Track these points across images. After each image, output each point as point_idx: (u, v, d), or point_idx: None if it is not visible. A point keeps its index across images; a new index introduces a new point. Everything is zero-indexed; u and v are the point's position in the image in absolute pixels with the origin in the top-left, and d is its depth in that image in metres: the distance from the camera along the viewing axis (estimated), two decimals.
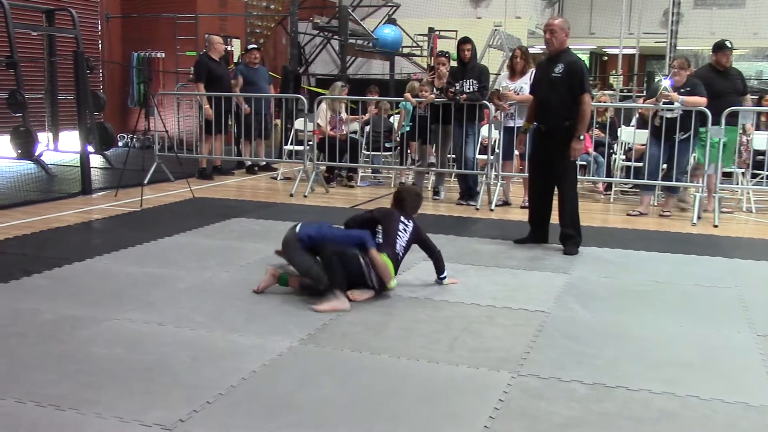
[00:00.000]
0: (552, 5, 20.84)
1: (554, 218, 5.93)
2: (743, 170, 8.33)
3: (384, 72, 17.03)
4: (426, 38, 16.70)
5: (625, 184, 8.78)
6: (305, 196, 8.26)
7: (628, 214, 7.59)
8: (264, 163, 10.37)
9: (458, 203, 8.07)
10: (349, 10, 14.80)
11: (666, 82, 7.45)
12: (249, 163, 10.22)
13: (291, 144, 9.95)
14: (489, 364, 3.38)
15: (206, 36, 10.11)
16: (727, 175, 8.13)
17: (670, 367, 3.40)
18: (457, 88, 7.85)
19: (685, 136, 7.32)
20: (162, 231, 6.09)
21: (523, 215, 6.67)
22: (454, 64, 8.42)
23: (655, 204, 8.05)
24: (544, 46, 5.93)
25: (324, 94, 9.93)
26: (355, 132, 9.43)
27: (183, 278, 4.71)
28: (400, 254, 4.50)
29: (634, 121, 8.92)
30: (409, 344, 3.63)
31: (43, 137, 10.33)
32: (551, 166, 5.75)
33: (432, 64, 8.48)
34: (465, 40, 7.97)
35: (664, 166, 7.55)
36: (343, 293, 4.17)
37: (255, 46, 10.63)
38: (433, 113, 8.17)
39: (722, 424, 2.85)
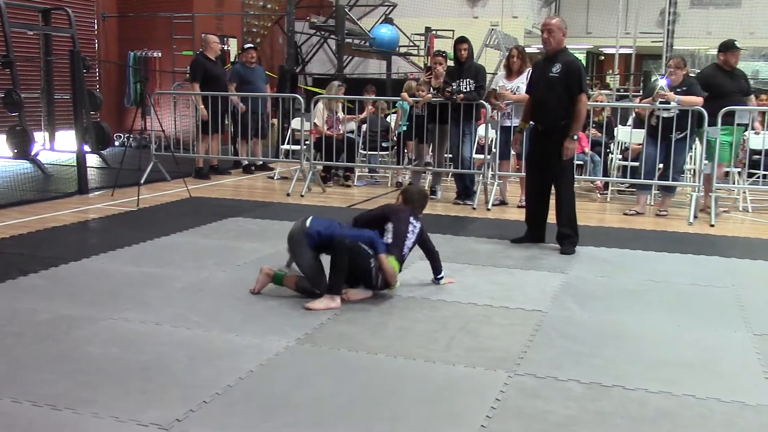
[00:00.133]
0: (549, 5, 20.86)
1: (551, 218, 5.94)
2: (740, 170, 8.35)
3: (381, 71, 17.03)
4: (423, 38, 16.70)
5: (622, 184, 8.79)
6: (302, 196, 8.25)
7: (625, 214, 7.59)
8: (261, 162, 10.37)
9: (455, 203, 8.07)
10: (346, 10, 14.80)
11: (662, 82, 7.47)
12: (246, 162, 10.21)
13: (288, 143, 9.94)
14: (486, 364, 3.39)
15: (203, 35, 10.08)
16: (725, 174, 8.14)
17: (667, 367, 3.40)
18: (454, 87, 7.85)
19: (681, 136, 7.33)
20: (158, 230, 6.09)
21: (519, 215, 6.68)
22: (450, 63, 8.42)
23: (652, 203, 8.06)
24: (541, 46, 5.93)
25: (321, 94, 9.92)
26: (352, 131, 9.42)
27: (179, 278, 4.71)
28: (406, 255, 4.51)
29: (630, 121, 8.94)
30: (406, 344, 3.63)
31: (40, 137, 10.30)
32: (549, 166, 5.76)
33: (429, 65, 8.48)
34: (462, 40, 7.97)
35: (661, 165, 7.56)
36: (337, 295, 4.17)
37: (252, 45, 10.62)
38: (430, 113, 8.17)
39: (719, 424, 2.85)
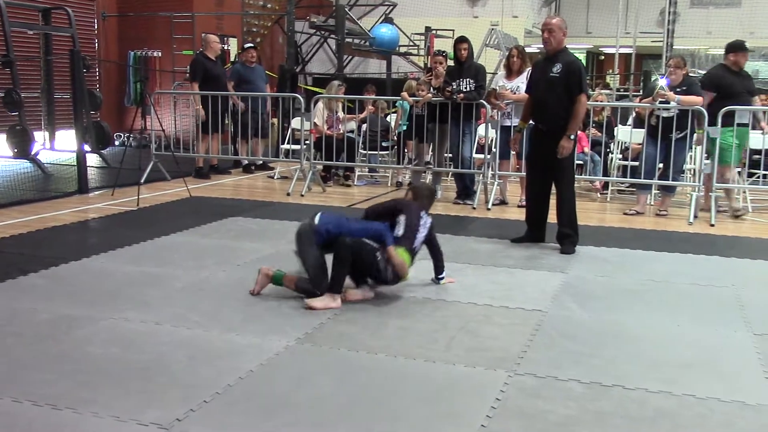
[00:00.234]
0: (549, 4, 20.85)
1: (551, 217, 5.94)
2: (740, 169, 8.34)
3: (381, 71, 17.03)
4: (423, 37, 16.70)
5: (622, 184, 8.79)
6: (302, 195, 8.25)
7: (625, 213, 7.59)
8: (261, 162, 10.37)
9: (455, 202, 8.07)
10: (346, 9, 14.79)
11: (662, 82, 7.46)
12: (246, 162, 10.21)
13: (288, 143, 9.94)
14: (486, 363, 3.39)
15: (203, 35, 10.08)
16: None
17: (667, 367, 3.40)
18: (454, 87, 7.85)
19: (681, 135, 7.33)
20: (159, 230, 6.09)
21: (520, 214, 6.68)
22: (450, 63, 8.42)
23: (652, 203, 8.06)
24: (542, 46, 5.93)
25: (321, 93, 9.92)
26: (352, 131, 9.42)
27: (180, 277, 4.71)
28: (417, 248, 4.48)
29: (630, 121, 8.93)
30: (406, 343, 3.63)
31: (40, 136, 10.30)
32: (549, 166, 5.75)
33: (429, 66, 8.48)
34: (462, 40, 7.97)
35: (661, 165, 7.57)
36: (338, 294, 4.17)
37: (252, 45, 10.62)
38: (430, 112, 8.17)
39: (719, 423, 2.85)
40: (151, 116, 8.91)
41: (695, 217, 7.19)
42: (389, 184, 9.37)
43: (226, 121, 9.74)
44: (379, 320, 3.98)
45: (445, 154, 8.61)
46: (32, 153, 9.49)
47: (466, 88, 7.83)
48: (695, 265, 5.42)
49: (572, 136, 5.64)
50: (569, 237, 5.75)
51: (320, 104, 9.18)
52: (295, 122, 9.63)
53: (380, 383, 3.16)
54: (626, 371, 3.33)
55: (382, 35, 16.04)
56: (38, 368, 3.21)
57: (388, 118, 10.12)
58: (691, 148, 7.72)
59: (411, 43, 17.21)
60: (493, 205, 7.75)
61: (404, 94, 8.53)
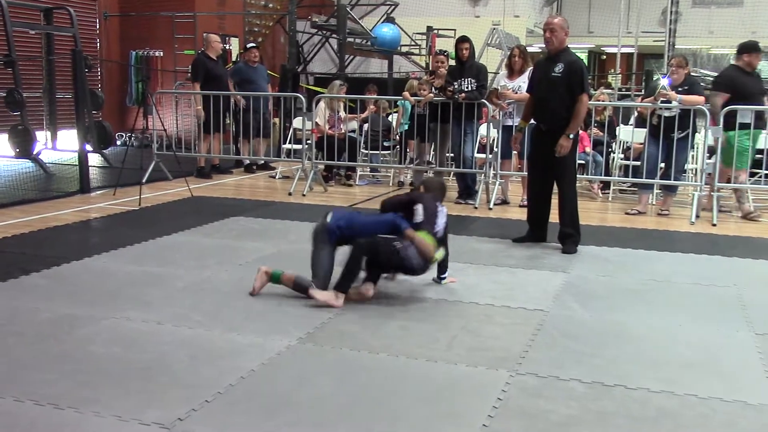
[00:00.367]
0: (550, 4, 20.83)
1: (553, 217, 5.93)
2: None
3: (382, 71, 17.03)
4: (424, 37, 16.69)
5: (624, 183, 8.78)
6: (304, 195, 8.25)
7: (627, 213, 7.59)
8: (262, 161, 10.37)
9: (457, 202, 8.06)
10: (348, 9, 14.79)
11: (664, 81, 7.45)
12: (247, 161, 10.21)
13: (289, 143, 9.95)
14: (487, 363, 3.38)
15: (204, 35, 10.09)
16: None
17: (669, 366, 3.40)
18: (456, 86, 7.85)
19: (682, 135, 7.32)
20: (160, 230, 6.09)
21: (521, 214, 6.67)
22: (452, 62, 8.42)
23: (654, 203, 8.06)
24: (543, 45, 5.92)
25: (322, 93, 9.92)
26: (353, 131, 9.42)
27: (181, 277, 4.71)
28: (439, 233, 4.47)
29: (632, 120, 8.92)
30: (407, 343, 3.63)
31: (42, 136, 10.31)
32: (551, 165, 5.75)
33: (433, 69, 8.47)
34: (463, 39, 7.96)
35: (662, 165, 7.56)
36: (343, 294, 4.17)
37: (254, 45, 10.63)
38: (431, 112, 8.17)
39: (721, 423, 2.85)
40: (153, 116, 8.90)
41: (697, 216, 7.18)
42: (391, 184, 9.37)
43: (228, 121, 9.74)
44: (380, 320, 3.98)
45: (447, 154, 8.60)
46: (34, 153, 9.51)
47: (467, 87, 7.82)
48: (697, 264, 5.42)
49: (571, 136, 5.63)
50: (571, 237, 5.75)
51: (322, 104, 9.19)
52: (297, 122, 9.63)
53: (381, 383, 3.16)
54: (628, 371, 3.33)
55: (384, 35, 16.04)
56: (40, 368, 3.21)
57: (389, 118, 10.12)
58: (692, 147, 7.71)
59: (412, 43, 17.20)
60: (494, 204, 7.75)
61: (406, 93, 8.53)
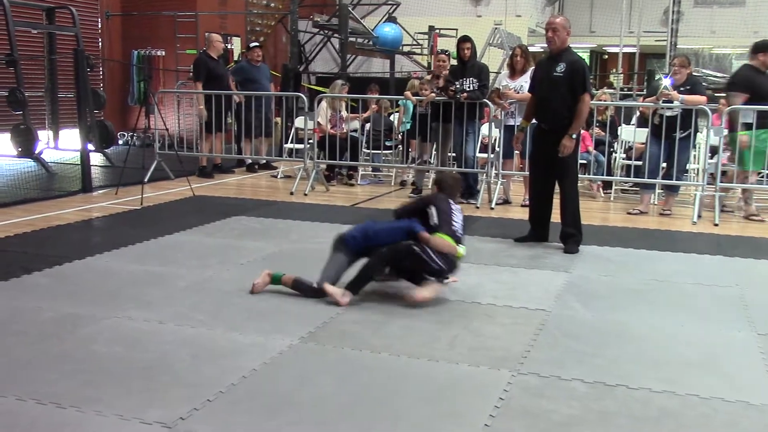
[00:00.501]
0: (552, 3, 20.82)
1: (555, 217, 5.93)
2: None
3: (384, 70, 17.04)
4: (426, 36, 16.69)
5: (626, 183, 8.77)
6: (305, 195, 8.25)
7: (629, 213, 7.59)
8: (264, 161, 10.37)
9: (458, 202, 8.04)
10: (350, 8, 14.79)
11: (666, 81, 7.44)
12: (249, 161, 10.22)
13: (291, 142, 9.95)
14: (489, 363, 3.38)
15: (206, 34, 10.09)
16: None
17: (671, 366, 3.40)
18: (458, 86, 7.85)
19: (684, 135, 7.31)
20: (162, 229, 6.09)
21: (523, 214, 6.67)
22: (454, 62, 8.41)
23: (656, 202, 8.05)
24: (545, 45, 5.92)
25: (324, 93, 9.92)
26: (355, 130, 9.43)
27: (183, 276, 4.71)
28: (458, 230, 4.45)
29: (634, 120, 8.91)
30: (409, 342, 3.63)
31: (44, 135, 10.32)
32: (552, 165, 5.75)
33: (436, 72, 8.46)
34: (465, 39, 7.96)
35: (664, 164, 7.55)
36: (353, 295, 4.20)
37: (257, 44, 10.63)
38: (433, 111, 8.17)
39: (722, 423, 2.85)
40: (155, 115, 8.91)
41: (699, 216, 7.17)
42: (392, 184, 9.37)
43: (230, 120, 9.74)
44: (382, 319, 3.98)
45: (449, 154, 8.60)
46: (36, 152, 9.51)
47: (469, 87, 7.82)
48: (699, 264, 5.42)
49: (574, 135, 5.63)
50: (573, 236, 5.74)
51: (324, 103, 9.19)
52: (299, 121, 9.63)
53: (383, 382, 3.16)
54: (630, 371, 3.32)
55: (386, 34, 16.05)
56: (42, 367, 3.22)
57: (391, 118, 10.12)
58: (694, 147, 7.70)
59: (414, 43, 17.21)
60: (496, 204, 7.75)
61: (408, 93, 8.53)
